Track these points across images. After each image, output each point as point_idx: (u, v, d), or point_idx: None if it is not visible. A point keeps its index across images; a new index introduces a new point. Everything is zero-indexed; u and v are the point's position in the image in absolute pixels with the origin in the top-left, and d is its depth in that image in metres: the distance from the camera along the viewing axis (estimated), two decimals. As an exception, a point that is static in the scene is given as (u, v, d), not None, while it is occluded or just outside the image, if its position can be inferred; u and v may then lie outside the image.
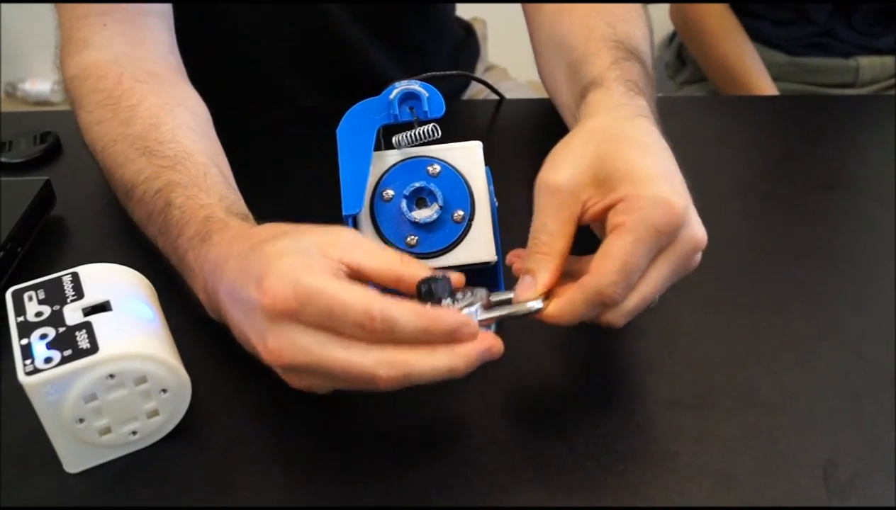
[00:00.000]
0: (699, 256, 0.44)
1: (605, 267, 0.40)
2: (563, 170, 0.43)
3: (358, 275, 0.40)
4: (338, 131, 0.46)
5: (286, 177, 0.66)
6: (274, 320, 0.38)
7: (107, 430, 0.41)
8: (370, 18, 0.79)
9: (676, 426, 0.44)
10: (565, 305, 0.41)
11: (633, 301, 0.41)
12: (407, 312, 0.37)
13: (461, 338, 0.38)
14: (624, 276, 0.40)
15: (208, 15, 0.75)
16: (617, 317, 0.41)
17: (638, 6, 0.64)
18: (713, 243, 0.56)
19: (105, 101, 0.57)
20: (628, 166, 0.42)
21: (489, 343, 0.39)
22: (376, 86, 0.49)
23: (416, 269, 0.40)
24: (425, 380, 0.38)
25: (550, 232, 0.42)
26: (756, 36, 1.10)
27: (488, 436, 0.43)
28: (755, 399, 0.45)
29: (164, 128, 0.54)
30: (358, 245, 0.40)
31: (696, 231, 0.42)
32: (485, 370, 0.47)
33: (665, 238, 0.41)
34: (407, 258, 0.41)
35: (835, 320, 0.50)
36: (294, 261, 0.38)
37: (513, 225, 0.48)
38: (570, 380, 0.47)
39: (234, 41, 0.77)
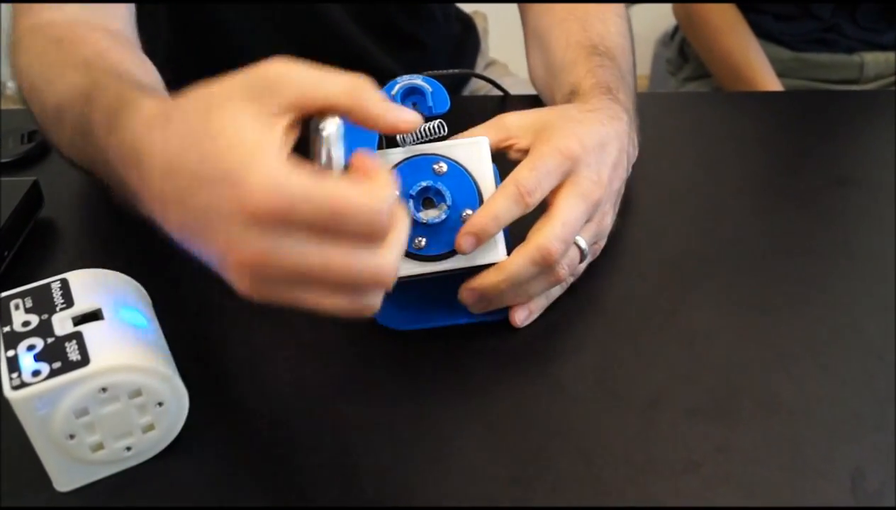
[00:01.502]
0: (608, 217, 0.50)
1: (517, 169, 0.45)
2: (512, 115, 0.50)
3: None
4: None
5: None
6: (260, 227, 0.32)
7: (99, 446, 0.39)
8: (366, 12, 0.77)
9: (697, 434, 0.42)
10: (486, 206, 0.44)
11: (556, 226, 0.44)
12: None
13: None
14: (535, 176, 0.45)
15: (203, 14, 0.73)
16: (548, 239, 0.44)
17: (614, 3, 0.66)
18: (726, 242, 0.56)
19: (50, 42, 0.54)
20: (556, 126, 0.48)
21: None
22: (376, 80, 0.47)
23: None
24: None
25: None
26: (759, 31, 1.09)
27: (498, 446, 0.41)
28: (777, 405, 0.43)
29: (111, 55, 0.51)
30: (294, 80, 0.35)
31: (595, 175, 0.47)
32: (493, 375, 0.46)
33: (567, 162, 0.46)
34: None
35: (854, 321, 0.49)
36: (265, 155, 0.33)
37: (522, 223, 0.46)
38: (584, 386, 0.45)
39: (228, 37, 0.75)
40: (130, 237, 0.52)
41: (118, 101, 0.42)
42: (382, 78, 0.46)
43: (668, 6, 1.19)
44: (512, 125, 0.50)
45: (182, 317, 0.47)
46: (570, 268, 0.47)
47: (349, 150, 0.43)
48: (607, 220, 0.50)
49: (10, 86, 2.05)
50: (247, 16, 0.75)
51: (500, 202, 0.44)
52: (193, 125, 0.35)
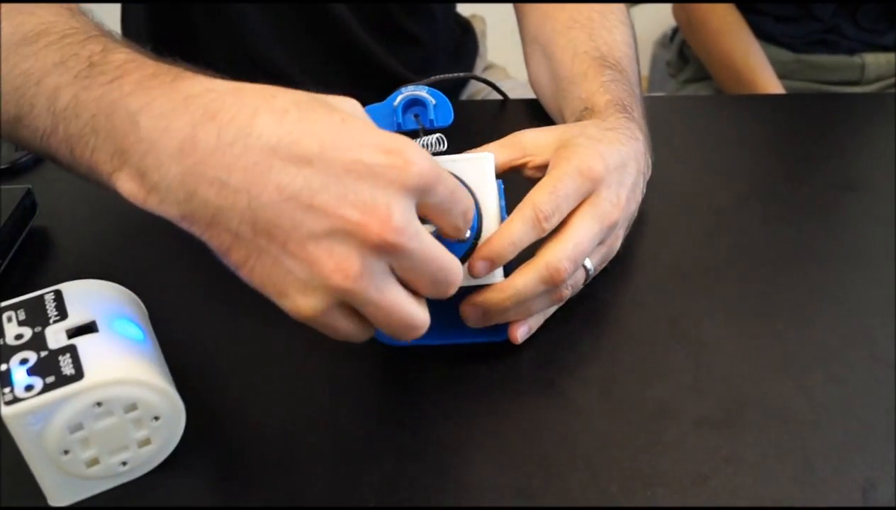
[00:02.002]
0: (619, 241, 0.49)
1: (535, 190, 0.44)
2: (528, 132, 0.49)
3: None
4: None
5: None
6: (411, 192, 0.34)
7: (95, 462, 0.38)
8: (369, 10, 0.77)
9: (705, 446, 0.41)
10: (502, 231, 0.43)
11: (568, 246, 0.43)
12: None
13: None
14: (554, 200, 0.43)
15: (211, 12, 0.73)
16: (558, 259, 0.43)
17: (617, 6, 0.65)
18: (732, 249, 0.55)
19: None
20: (578, 144, 0.47)
21: None
22: (378, 81, 0.46)
23: None
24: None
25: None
26: (760, 33, 1.08)
27: (502, 458, 0.41)
28: (786, 415, 0.43)
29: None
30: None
31: (615, 197, 0.46)
32: (497, 387, 0.45)
33: (588, 183, 0.45)
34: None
35: (864, 329, 0.48)
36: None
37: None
38: (589, 397, 0.44)
39: (234, 35, 0.75)
40: (126, 246, 0.52)
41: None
42: (384, 77, 0.46)
43: (668, 7, 1.19)
44: (528, 143, 0.49)
45: (179, 328, 0.46)
46: (573, 288, 0.46)
47: None
48: (617, 244, 0.49)
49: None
50: (254, 13, 0.74)
51: (517, 227, 0.43)
52: (319, 108, 0.35)
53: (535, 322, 0.47)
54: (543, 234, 0.44)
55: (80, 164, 0.38)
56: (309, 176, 0.33)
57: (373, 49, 0.78)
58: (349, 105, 0.37)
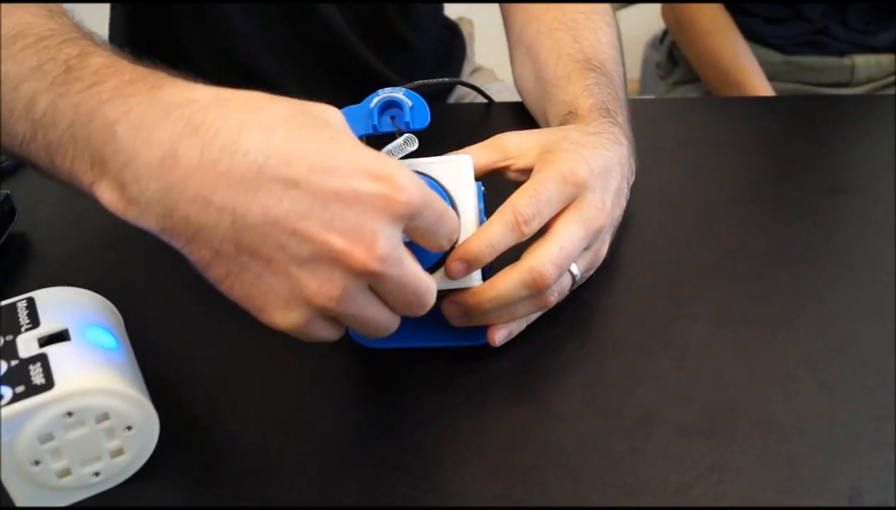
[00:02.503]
0: (605, 247, 0.48)
1: (517, 193, 0.43)
2: (511, 135, 0.49)
3: None
4: None
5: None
6: (399, 220, 0.34)
7: (66, 472, 0.37)
8: (359, 12, 0.76)
9: (689, 454, 0.40)
10: (480, 232, 0.42)
11: (553, 250, 0.43)
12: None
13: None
14: (535, 203, 0.43)
15: (199, 11, 0.72)
16: (542, 263, 0.42)
17: (602, 6, 0.64)
18: (719, 252, 0.54)
19: None
20: (561, 148, 0.46)
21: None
22: (366, 86, 0.45)
23: None
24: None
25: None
26: (749, 34, 1.08)
27: (484, 466, 0.40)
28: (771, 423, 0.42)
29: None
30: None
31: (600, 201, 0.46)
32: (478, 394, 0.44)
33: (570, 187, 0.44)
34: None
35: (851, 334, 0.47)
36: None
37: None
38: (571, 403, 0.43)
39: (221, 34, 0.74)
40: (106, 253, 0.51)
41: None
42: (370, 80, 0.45)
43: (658, 8, 1.18)
44: (510, 145, 0.49)
45: (156, 336, 0.45)
46: (559, 294, 0.45)
47: None
48: (604, 249, 0.49)
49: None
50: (240, 14, 0.73)
51: (495, 229, 0.42)
52: (308, 123, 0.34)
53: (516, 326, 0.46)
54: (523, 239, 0.43)
55: (60, 172, 0.38)
56: (295, 199, 0.32)
57: (361, 52, 0.77)
58: (334, 117, 0.36)
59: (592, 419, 0.42)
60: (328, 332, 0.37)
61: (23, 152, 0.39)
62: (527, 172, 0.46)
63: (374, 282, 0.35)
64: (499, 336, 0.45)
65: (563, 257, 0.44)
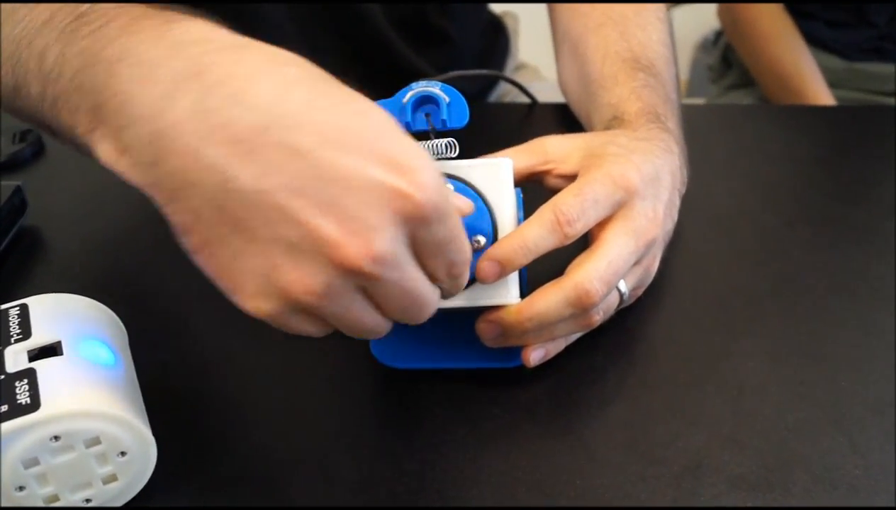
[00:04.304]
0: (656, 262, 0.44)
1: (560, 193, 0.40)
2: (553, 138, 0.46)
3: None
4: None
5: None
6: (406, 222, 0.30)
7: (54, 498, 0.34)
8: (398, 6, 0.72)
9: (742, 508, 0.36)
10: (515, 232, 0.39)
11: (601, 265, 0.39)
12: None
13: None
14: (579, 203, 0.39)
15: (238, 9, 0.69)
16: (589, 279, 0.38)
17: (654, 4, 0.59)
18: (776, 280, 0.49)
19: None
20: (608, 152, 0.43)
21: None
22: (404, 82, 0.41)
23: None
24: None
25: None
26: (810, 39, 1.02)
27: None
28: (836, 479, 0.37)
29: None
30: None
31: (651, 211, 0.42)
32: (508, 427, 0.40)
33: (620, 192, 0.40)
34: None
35: (927, 378, 0.42)
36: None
37: (544, 256, 0.39)
38: (612, 446, 0.39)
39: (260, 31, 0.71)
40: (119, 251, 0.48)
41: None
42: (410, 77, 0.41)
43: (709, 9, 1.13)
44: (552, 148, 0.45)
45: (163, 350, 0.42)
46: (605, 313, 0.41)
47: None
48: (655, 265, 0.44)
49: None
50: (279, 13, 0.70)
51: (533, 229, 0.38)
52: (337, 91, 0.31)
53: (553, 347, 0.42)
54: (565, 242, 0.39)
55: (69, 132, 0.34)
56: (295, 172, 0.28)
57: (400, 48, 0.74)
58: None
59: (634, 465, 0.38)
60: (309, 328, 0.32)
61: (38, 117, 0.36)
62: (569, 178, 0.43)
63: (366, 284, 0.31)
64: (534, 356, 0.41)
65: (612, 273, 0.39)
